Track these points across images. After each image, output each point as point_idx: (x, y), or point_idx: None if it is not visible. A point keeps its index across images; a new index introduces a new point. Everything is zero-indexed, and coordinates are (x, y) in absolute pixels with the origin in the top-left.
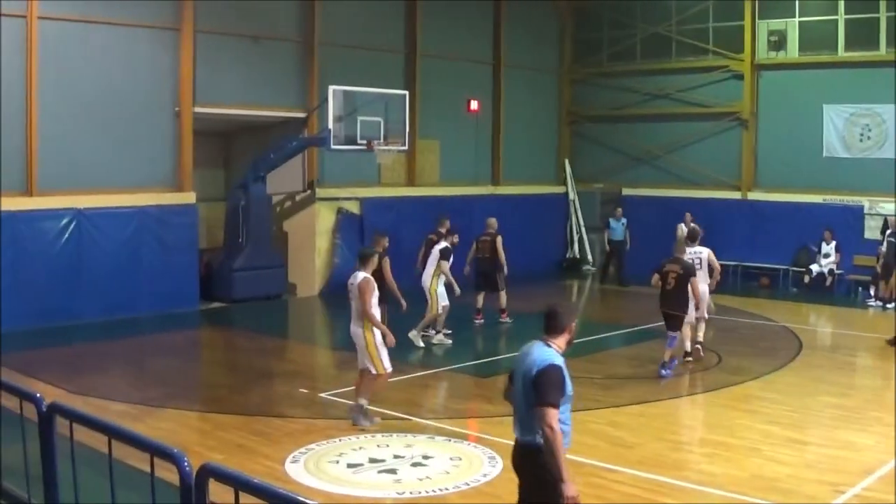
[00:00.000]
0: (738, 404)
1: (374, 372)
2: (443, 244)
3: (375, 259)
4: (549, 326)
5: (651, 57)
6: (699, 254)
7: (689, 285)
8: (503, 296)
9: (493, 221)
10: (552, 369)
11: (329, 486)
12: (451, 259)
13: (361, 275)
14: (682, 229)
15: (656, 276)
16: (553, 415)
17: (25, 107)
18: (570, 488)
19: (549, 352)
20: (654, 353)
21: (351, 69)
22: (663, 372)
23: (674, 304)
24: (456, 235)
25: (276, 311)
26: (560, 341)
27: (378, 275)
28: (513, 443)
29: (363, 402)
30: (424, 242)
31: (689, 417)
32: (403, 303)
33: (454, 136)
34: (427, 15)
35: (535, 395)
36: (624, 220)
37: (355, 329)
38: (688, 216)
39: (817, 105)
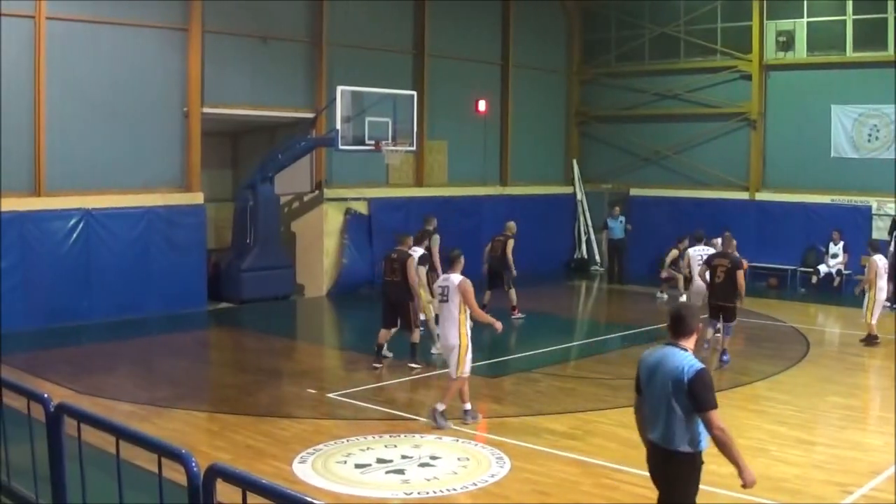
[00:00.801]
0: (745, 404)
1: (453, 375)
2: (420, 251)
3: (462, 259)
4: (678, 330)
5: (659, 57)
6: (707, 251)
7: (735, 277)
8: (512, 294)
9: (511, 225)
10: (704, 373)
11: (337, 486)
12: (427, 266)
13: (457, 277)
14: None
15: (705, 270)
16: (718, 416)
17: (33, 107)
18: (751, 475)
19: (688, 356)
20: None
21: (359, 69)
22: (724, 358)
23: (724, 296)
24: (437, 235)
25: (284, 311)
26: (690, 343)
27: (403, 271)
28: (649, 448)
29: (441, 406)
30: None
31: None
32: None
33: (462, 137)
34: (435, 15)
35: (692, 401)
36: (622, 219)
37: (450, 330)
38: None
39: (825, 105)
